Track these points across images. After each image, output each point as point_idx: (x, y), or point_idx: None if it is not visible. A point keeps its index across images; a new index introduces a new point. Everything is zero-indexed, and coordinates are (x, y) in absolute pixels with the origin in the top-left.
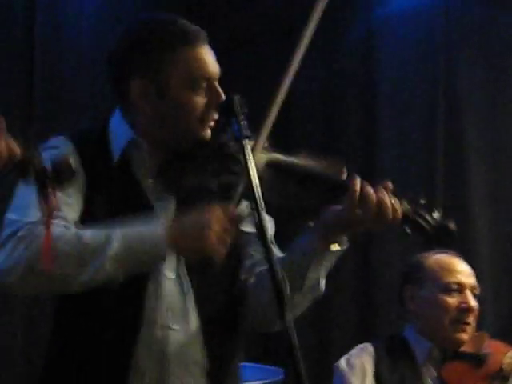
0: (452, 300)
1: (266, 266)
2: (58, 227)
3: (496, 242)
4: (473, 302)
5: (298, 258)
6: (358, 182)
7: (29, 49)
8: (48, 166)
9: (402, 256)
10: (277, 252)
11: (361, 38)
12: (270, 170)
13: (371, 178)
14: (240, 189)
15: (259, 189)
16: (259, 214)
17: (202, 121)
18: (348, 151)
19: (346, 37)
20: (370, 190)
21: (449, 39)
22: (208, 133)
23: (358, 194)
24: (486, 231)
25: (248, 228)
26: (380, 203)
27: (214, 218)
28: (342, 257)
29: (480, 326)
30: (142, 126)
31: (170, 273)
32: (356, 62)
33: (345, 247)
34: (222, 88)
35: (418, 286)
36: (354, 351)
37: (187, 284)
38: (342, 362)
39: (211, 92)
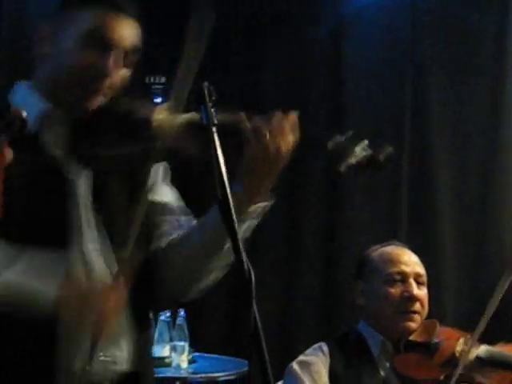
0: (395, 290)
1: (175, 236)
2: None
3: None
4: (416, 291)
5: (216, 219)
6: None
7: None
8: None
9: (366, 244)
10: (191, 219)
11: (330, 30)
12: (188, 129)
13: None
14: (154, 153)
15: (226, 175)
16: (227, 200)
17: (89, 84)
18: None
19: (315, 29)
20: (258, 122)
21: (415, 31)
22: (96, 100)
23: (248, 129)
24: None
25: (156, 197)
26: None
27: (107, 296)
28: (306, 248)
29: (441, 314)
30: (43, 86)
31: (90, 246)
32: (324, 54)
33: (264, 205)
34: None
35: (366, 281)
36: (309, 351)
37: (111, 259)
38: (295, 364)
39: (103, 58)
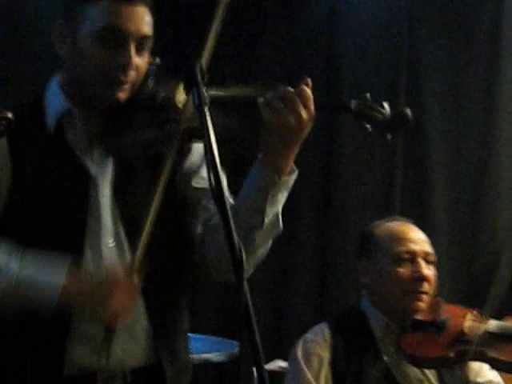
0: (404, 270)
1: (214, 219)
2: None
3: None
4: (426, 271)
5: (253, 194)
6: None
7: None
8: None
9: (361, 220)
10: (230, 200)
11: (325, 12)
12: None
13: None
14: (178, 133)
15: (217, 152)
16: (219, 182)
17: (111, 80)
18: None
19: (310, 10)
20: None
21: (411, 12)
22: (121, 95)
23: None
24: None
25: (200, 183)
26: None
27: (118, 287)
28: (300, 224)
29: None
30: (68, 86)
31: (109, 241)
32: (320, 35)
33: (294, 175)
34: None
35: (371, 259)
36: (310, 335)
37: (128, 251)
38: (299, 350)
39: (121, 50)
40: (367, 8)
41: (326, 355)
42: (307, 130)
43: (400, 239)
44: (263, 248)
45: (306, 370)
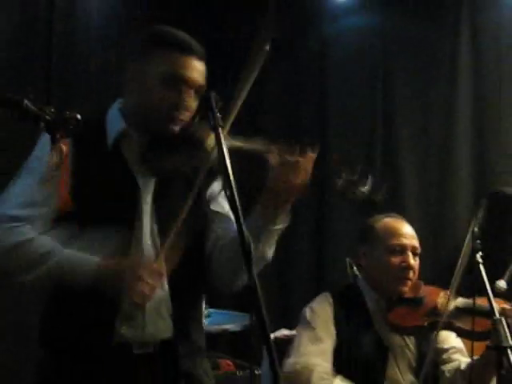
0: (395, 259)
1: (226, 240)
2: (22, 228)
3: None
4: (412, 261)
5: (249, 227)
6: (275, 153)
7: (47, 42)
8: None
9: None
10: None
11: (316, 51)
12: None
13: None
14: (203, 171)
15: (230, 169)
16: (231, 189)
17: (168, 116)
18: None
19: (303, 48)
20: (288, 160)
21: (386, 52)
22: (174, 128)
23: (277, 162)
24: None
25: (217, 207)
26: (297, 169)
27: (147, 271)
28: (302, 212)
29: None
30: (129, 112)
31: (147, 240)
32: (311, 70)
33: (284, 225)
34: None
35: (370, 246)
36: (316, 300)
37: (159, 249)
38: (307, 310)
39: (182, 94)
40: (350, 46)
41: (330, 315)
42: (301, 192)
43: (394, 233)
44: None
45: (316, 322)
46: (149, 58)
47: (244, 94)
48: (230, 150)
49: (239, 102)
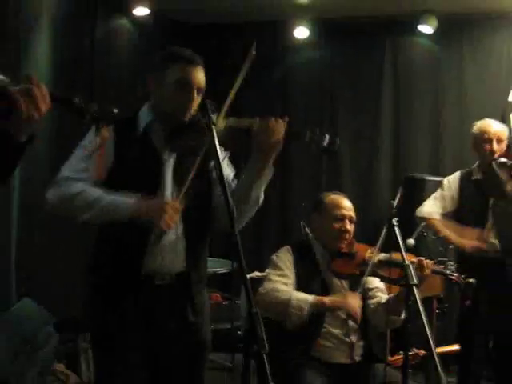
0: (337, 225)
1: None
2: (79, 184)
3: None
4: (348, 227)
5: (245, 179)
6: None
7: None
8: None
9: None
10: (234, 184)
11: (279, 80)
12: (228, 130)
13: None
14: (205, 148)
15: (220, 152)
16: (220, 169)
17: (179, 108)
18: None
19: (270, 78)
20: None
21: (332, 86)
22: (185, 116)
23: (259, 126)
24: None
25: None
26: (274, 129)
27: (170, 204)
28: (271, 186)
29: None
30: (154, 109)
31: (169, 198)
32: (275, 94)
33: (270, 175)
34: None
35: (319, 214)
36: (280, 250)
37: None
38: (274, 257)
39: (190, 94)
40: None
41: (291, 260)
42: (279, 145)
43: (337, 206)
44: (246, 216)
45: (280, 263)
46: (166, 69)
47: (237, 87)
48: (226, 129)
49: (234, 92)
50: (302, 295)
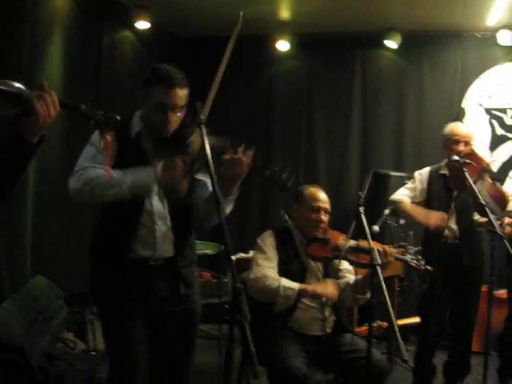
0: (313, 215)
1: (206, 196)
2: (98, 168)
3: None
4: (323, 217)
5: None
6: (228, 151)
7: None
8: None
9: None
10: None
11: (263, 88)
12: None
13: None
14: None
15: (209, 155)
16: (209, 165)
17: (159, 127)
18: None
19: (254, 86)
20: (233, 157)
21: (310, 92)
22: (165, 133)
23: (228, 159)
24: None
25: (199, 176)
26: (239, 163)
27: (179, 162)
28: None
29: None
30: (142, 120)
31: (155, 197)
32: (259, 101)
33: (236, 194)
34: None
35: (299, 204)
36: (264, 234)
37: (164, 202)
38: (259, 240)
39: (167, 116)
40: (286, 84)
41: (273, 244)
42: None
43: (314, 198)
44: (215, 220)
45: (264, 247)
46: (148, 91)
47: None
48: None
49: (214, 92)
50: (288, 284)
